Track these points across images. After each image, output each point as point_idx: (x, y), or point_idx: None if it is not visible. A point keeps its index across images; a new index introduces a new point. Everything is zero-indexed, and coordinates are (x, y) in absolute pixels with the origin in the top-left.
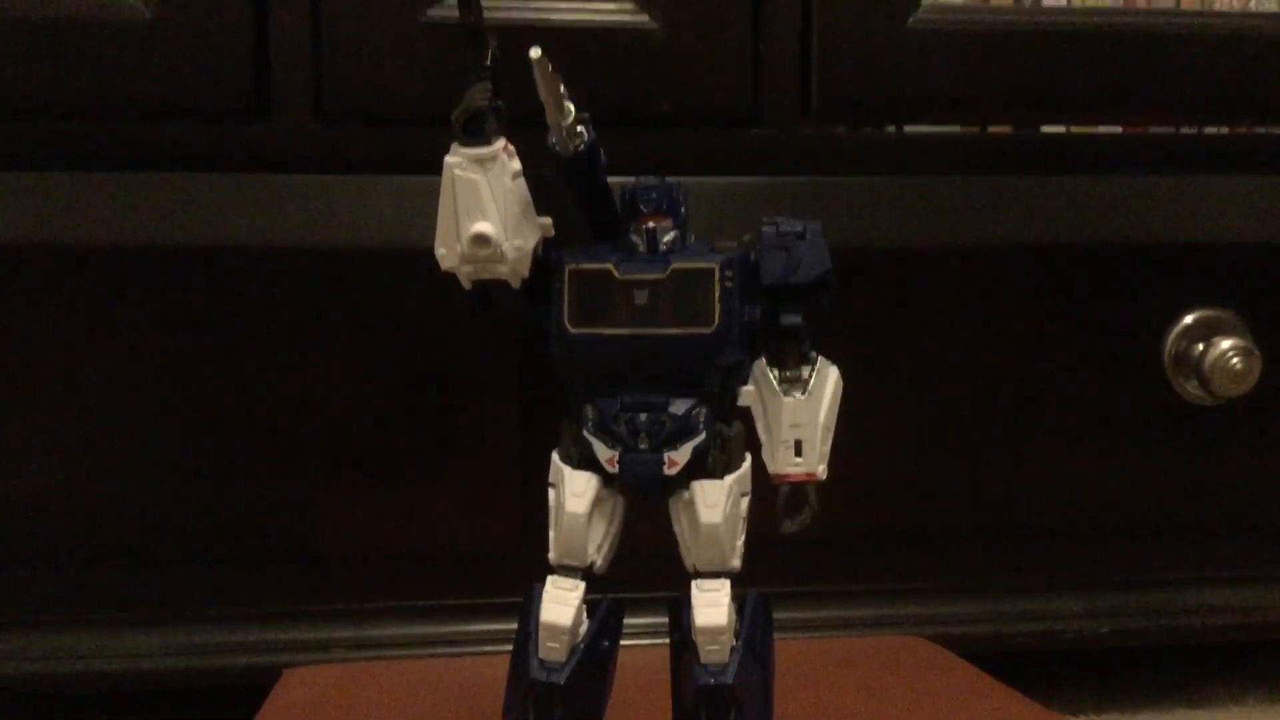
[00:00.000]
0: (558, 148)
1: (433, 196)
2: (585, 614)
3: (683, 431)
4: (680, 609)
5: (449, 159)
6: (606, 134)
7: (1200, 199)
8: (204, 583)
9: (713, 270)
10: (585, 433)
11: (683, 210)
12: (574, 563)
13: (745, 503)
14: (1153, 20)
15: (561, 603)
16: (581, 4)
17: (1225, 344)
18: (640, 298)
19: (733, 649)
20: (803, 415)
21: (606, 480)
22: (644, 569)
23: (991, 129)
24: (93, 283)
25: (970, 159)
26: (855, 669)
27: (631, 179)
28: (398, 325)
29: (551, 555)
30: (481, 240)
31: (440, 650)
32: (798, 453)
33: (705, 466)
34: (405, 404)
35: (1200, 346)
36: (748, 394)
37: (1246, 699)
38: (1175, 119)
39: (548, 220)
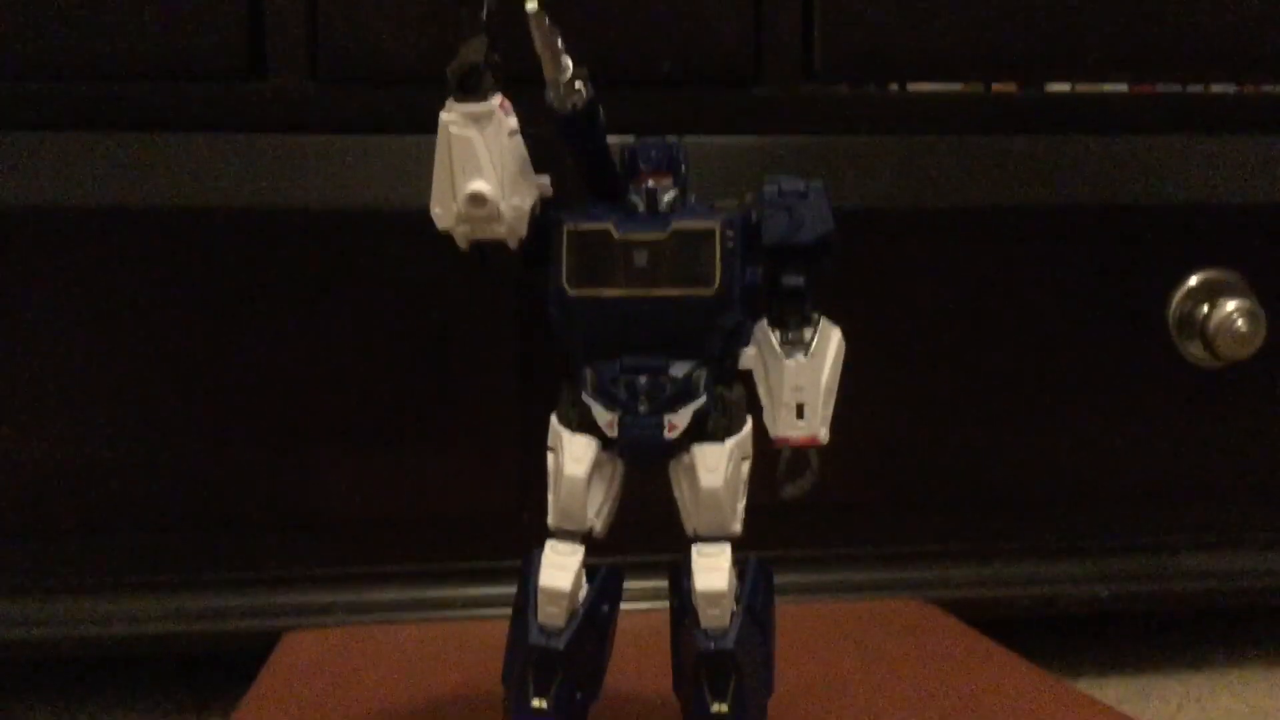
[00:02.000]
0: (555, 105)
1: (430, 156)
2: (584, 579)
3: (683, 394)
4: (680, 574)
5: (444, 115)
6: (606, 93)
7: (1207, 159)
8: (203, 547)
9: (714, 230)
10: (584, 396)
11: (683, 170)
12: (573, 527)
13: (746, 466)
14: None
15: (560, 567)
16: None
17: (1230, 306)
18: (640, 258)
19: (733, 614)
20: (805, 378)
21: (606, 444)
22: (644, 533)
23: (996, 88)
24: (87, 245)
25: (974, 118)
26: (856, 633)
27: (631, 138)
28: (396, 287)
29: (550, 520)
30: (478, 199)
31: (439, 614)
32: (799, 415)
33: (706, 430)
34: (403, 367)
35: (1205, 308)
36: (749, 356)
37: (1247, 663)
38: (1182, 78)
39: (546, 179)
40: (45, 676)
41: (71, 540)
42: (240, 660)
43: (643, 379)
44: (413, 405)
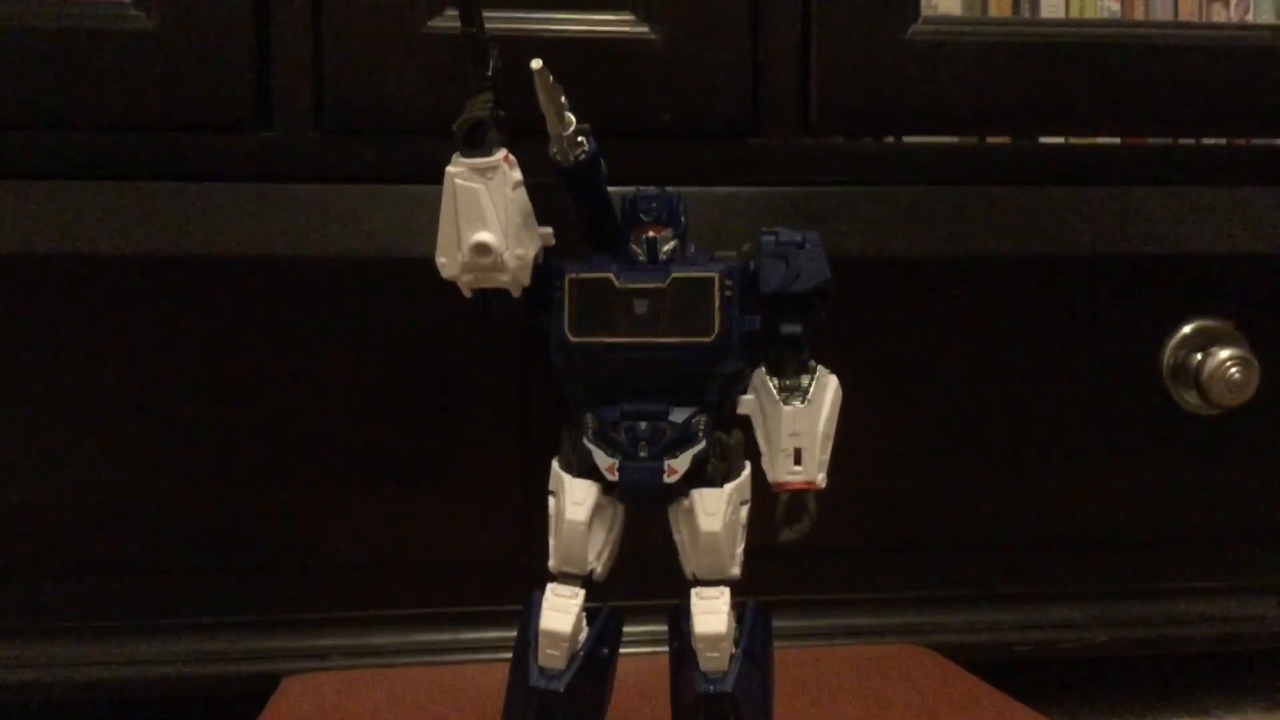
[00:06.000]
0: (559, 158)
1: (433, 206)
2: (585, 621)
3: (683, 440)
4: (680, 617)
5: (450, 169)
6: (607, 144)
7: (1198, 210)
8: (203, 591)
9: (713, 279)
10: (585, 441)
11: (683, 220)
12: (574, 570)
13: (745, 511)
14: (1151, 32)
15: (561, 610)
16: (583, 15)
17: (1223, 354)
18: (640, 307)
19: (732, 657)
20: (802, 424)
21: (606, 488)
22: (644, 577)
23: (990, 140)
24: (95, 292)
25: (969, 170)
26: (855, 677)
27: (632, 189)
28: (398, 334)
29: (551, 563)
30: (482, 249)
31: (440, 658)
32: (797, 461)
33: (705, 474)
34: (405, 412)
35: (1198, 356)
36: (747, 402)
37: (1245, 708)
38: (1173, 130)
39: (548, 229)
40: (43, 719)
41: (71, 583)
42: (240, 704)
43: (643, 424)
44: (414, 450)
